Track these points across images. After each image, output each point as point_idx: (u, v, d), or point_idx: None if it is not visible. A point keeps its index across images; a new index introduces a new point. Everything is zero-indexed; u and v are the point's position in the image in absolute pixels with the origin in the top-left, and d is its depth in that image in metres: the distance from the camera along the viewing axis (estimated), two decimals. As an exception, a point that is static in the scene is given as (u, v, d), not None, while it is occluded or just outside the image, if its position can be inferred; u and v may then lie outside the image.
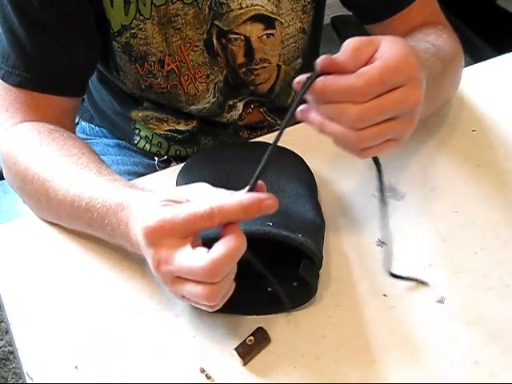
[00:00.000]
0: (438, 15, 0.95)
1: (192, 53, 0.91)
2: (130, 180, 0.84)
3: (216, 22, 0.89)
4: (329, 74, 0.61)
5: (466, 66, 0.93)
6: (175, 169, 0.82)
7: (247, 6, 0.89)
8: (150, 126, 1.01)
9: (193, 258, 0.59)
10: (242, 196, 0.60)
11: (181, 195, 0.63)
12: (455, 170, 0.85)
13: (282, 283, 0.68)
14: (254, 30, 0.91)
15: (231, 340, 0.68)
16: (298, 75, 0.62)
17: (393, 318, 0.70)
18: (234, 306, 0.65)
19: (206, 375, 0.66)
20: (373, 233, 0.77)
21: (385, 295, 0.72)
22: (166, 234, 0.60)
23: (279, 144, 0.61)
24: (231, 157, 0.81)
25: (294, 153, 0.81)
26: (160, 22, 0.87)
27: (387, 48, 0.62)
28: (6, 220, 0.82)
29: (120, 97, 1.01)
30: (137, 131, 1.03)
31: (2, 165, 0.84)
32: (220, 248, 0.58)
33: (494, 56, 1.03)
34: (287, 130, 0.61)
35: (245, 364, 0.67)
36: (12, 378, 1.60)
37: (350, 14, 0.99)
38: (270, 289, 0.70)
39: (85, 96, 1.04)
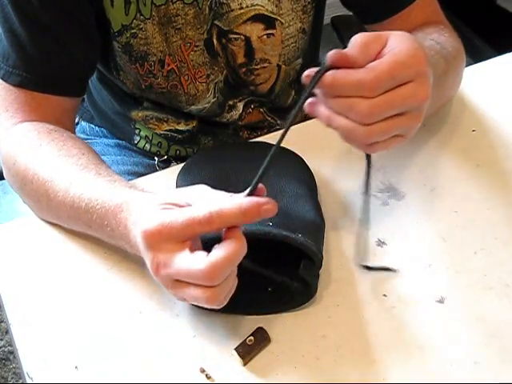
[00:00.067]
0: (439, 15, 0.95)
1: (192, 53, 0.91)
2: (129, 180, 0.84)
3: (216, 21, 0.89)
4: (337, 68, 0.61)
5: (466, 66, 0.93)
6: (175, 169, 0.82)
7: (247, 6, 0.89)
8: (150, 125, 1.01)
9: (191, 261, 0.59)
10: (241, 200, 0.59)
11: (181, 198, 0.63)
12: (455, 170, 0.85)
13: (282, 283, 0.68)
14: (254, 30, 0.91)
15: (231, 340, 0.68)
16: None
17: (393, 318, 0.70)
18: (234, 306, 0.64)
19: (206, 375, 0.66)
20: (373, 233, 0.77)
21: (385, 295, 0.72)
22: (165, 239, 0.60)
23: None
24: (231, 157, 0.81)
25: (294, 153, 0.81)
26: (160, 22, 0.87)
27: (396, 43, 0.62)
28: (5, 220, 0.82)
29: (120, 97, 1.01)
30: (137, 131, 1.03)
31: (2, 165, 0.84)
32: (219, 251, 0.58)
33: (494, 56, 1.02)
34: (287, 130, 0.61)
35: (245, 364, 0.67)
36: (12, 378, 1.60)
37: (350, 13, 0.99)
38: (270, 289, 0.71)
39: (85, 96, 1.04)
